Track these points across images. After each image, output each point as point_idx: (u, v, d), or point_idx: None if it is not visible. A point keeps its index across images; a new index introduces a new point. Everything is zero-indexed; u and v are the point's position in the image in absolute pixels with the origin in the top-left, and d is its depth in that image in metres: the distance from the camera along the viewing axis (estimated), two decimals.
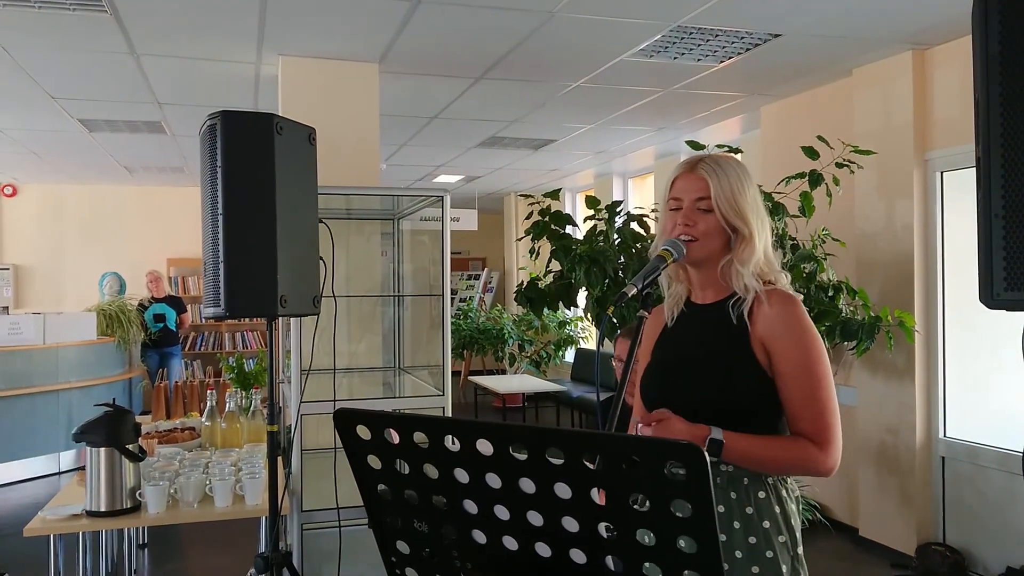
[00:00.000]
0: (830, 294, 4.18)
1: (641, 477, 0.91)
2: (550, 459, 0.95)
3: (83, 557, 3.37)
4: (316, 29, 4.17)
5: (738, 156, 3.73)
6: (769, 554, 1.62)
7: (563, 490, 0.96)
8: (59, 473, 6.82)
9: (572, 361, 10.14)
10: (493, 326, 10.76)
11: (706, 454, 0.85)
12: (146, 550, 4.99)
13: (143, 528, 4.90)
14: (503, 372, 11.26)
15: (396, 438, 1.07)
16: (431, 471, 1.06)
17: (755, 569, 1.61)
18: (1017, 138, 1.61)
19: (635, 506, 0.94)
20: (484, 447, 0.99)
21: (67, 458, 6.90)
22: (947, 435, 4.62)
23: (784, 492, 1.68)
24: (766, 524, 1.64)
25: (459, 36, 4.25)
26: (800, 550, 1.68)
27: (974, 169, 1.72)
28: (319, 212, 2.80)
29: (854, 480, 5.05)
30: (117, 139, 7.00)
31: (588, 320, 5.23)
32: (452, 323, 10.64)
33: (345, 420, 1.10)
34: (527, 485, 0.99)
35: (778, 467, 1.64)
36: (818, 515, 4.95)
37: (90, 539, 3.46)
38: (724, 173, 1.70)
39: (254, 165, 2.52)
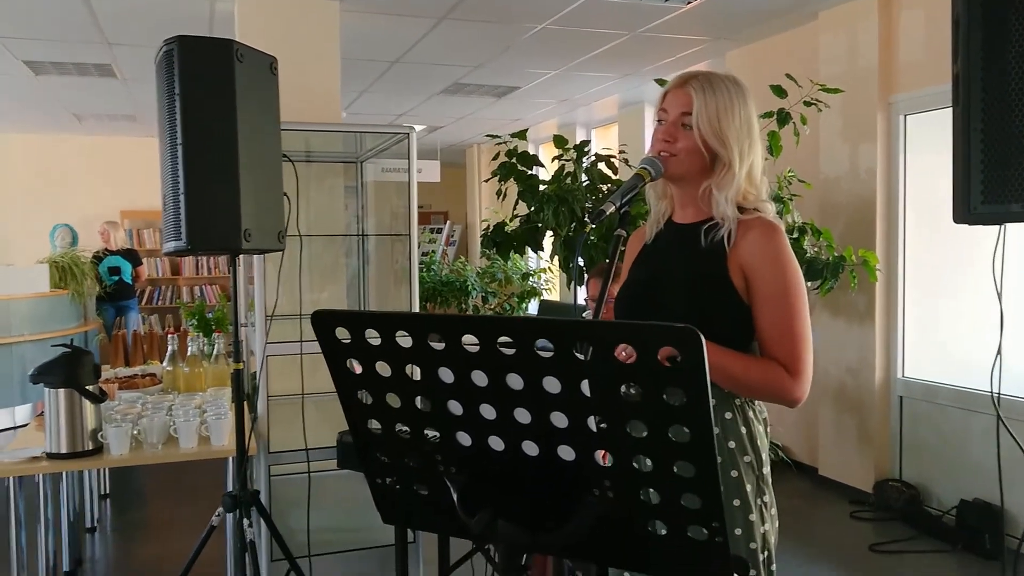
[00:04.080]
0: (795, 235, 4.21)
1: (633, 366, 0.89)
2: (539, 352, 0.93)
3: (44, 506, 3.30)
4: None
5: None
6: (734, 473, 1.62)
7: (552, 384, 0.94)
8: (14, 428, 6.66)
9: (535, 312, 10.15)
10: (456, 279, 10.70)
11: (702, 337, 0.83)
12: (108, 500, 4.93)
13: (105, 478, 4.84)
14: None
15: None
16: (414, 372, 1.03)
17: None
18: (997, 54, 1.60)
19: (626, 397, 0.92)
20: (469, 343, 0.96)
21: (22, 412, 6.74)
22: (905, 375, 4.72)
23: (751, 413, 1.68)
24: (731, 444, 1.64)
25: None
26: (766, 471, 1.68)
27: (938, 111, 1.71)
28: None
29: (814, 421, 5.15)
30: (65, 84, 6.73)
31: (552, 269, 5.21)
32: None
33: (324, 323, 1.06)
34: (514, 381, 0.96)
35: (749, 385, 1.63)
36: (780, 455, 5.04)
37: (51, 488, 3.39)
38: (713, 92, 1.65)
39: (214, 93, 2.43)
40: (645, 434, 0.92)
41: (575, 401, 0.94)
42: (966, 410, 4.28)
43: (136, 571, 3.92)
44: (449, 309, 11.08)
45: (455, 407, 1.03)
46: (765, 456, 1.69)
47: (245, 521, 2.63)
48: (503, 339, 0.94)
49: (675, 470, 0.93)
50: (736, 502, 1.61)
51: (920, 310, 4.70)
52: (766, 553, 1.63)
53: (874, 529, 4.40)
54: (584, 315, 2.97)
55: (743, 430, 1.65)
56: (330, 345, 1.07)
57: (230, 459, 2.81)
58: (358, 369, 1.07)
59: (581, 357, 0.91)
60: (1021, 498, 3.81)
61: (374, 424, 1.12)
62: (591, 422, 0.95)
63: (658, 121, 1.71)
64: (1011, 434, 1.87)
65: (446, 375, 1.00)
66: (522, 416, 0.98)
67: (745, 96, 1.68)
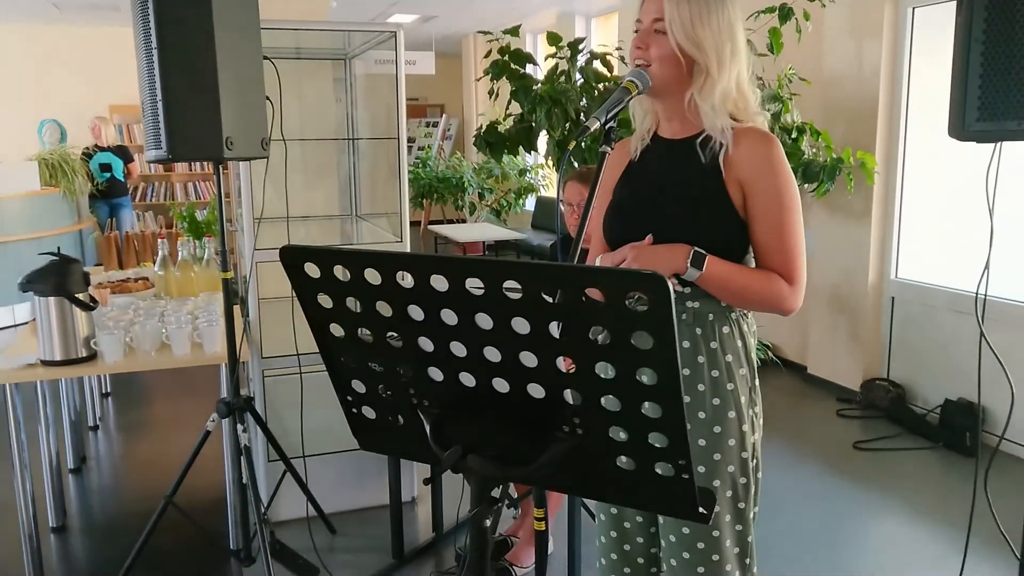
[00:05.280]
0: (794, 136, 4.13)
1: (601, 309, 0.87)
2: (507, 293, 0.91)
3: (43, 407, 3.37)
4: None
5: None
6: (730, 386, 1.65)
7: (521, 325, 0.93)
8: (15, 325, 6.74)
9: (532, 210, 10.10)
10: (453, 175, 10.59)
11: (670, 284, 0.81)
12: (109, 398, 5.03)
13: (105, 378, 4.92)
14: (463, 221, 11.20)
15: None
16: (384, 309, 1.02)
17: (716, 401, 1.64)
18: None
19: (595, 339, 0.91)
20: (438, 283, 0.94)
21: (22, 311, 6.79)
22: (899, 276, 4.74)
23: (745, 327, 1.69)
24: (728, 358, 1.65)
25: None
26: (756, 383, 1.71)
27: (947, 3, 1.63)
28: (264, 51, 2.62)
29: (805, 320, 5.20)
30: None
31: (549, 166, 5.14)
32: (411, 172, 10.48)
33: (292, 258, 1.04)
34: (484, 320, 0.95)
35: (749, 296, 1.62)
36: (770, 354, 5.11)
37: (49, 389, 3.45)
38: None
39: None
40: (613, 375, 0.92)
41: (544, 342, 0.93)
42: (956, 312, 4.31)
43: (140, 468, 4.04)
44: (446, 206, 11.02)
45: (426, 344, 1.02)
46: (755, 369, 1.71)
47: (239, 427, 2.68)
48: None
49: (642, 411, 0.93)
50: (731, 414, 1.64)
51: (917, 212, 4.66)
52: (755, 460, 1.69)
53: (860, 427, 4.51)
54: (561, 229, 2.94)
55: (739, 344, 1.67)
56: (299, 280, 1.05)
57: (223, 365, 2.84)
58: (328, 304, 1.06)
59: (549, 300, 0.89)
60: (1002, 399, 3.88)
61: (346, 357, 1.12)
62: (560, 362, 0.94)
63: (635, 30, 1.64)
64: (990, 347, 1.88)
65: (416, 313, 0.99)
66: (492, 355, 0.98)
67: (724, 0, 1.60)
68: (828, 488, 3.73)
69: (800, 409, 4.85)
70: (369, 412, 1.17)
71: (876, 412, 4.63)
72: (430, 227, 10.27)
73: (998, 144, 1.64)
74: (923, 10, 4.40)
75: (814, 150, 4.27)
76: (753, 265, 1.67)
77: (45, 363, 2.74)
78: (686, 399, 1.64)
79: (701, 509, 0.99)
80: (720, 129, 1.61)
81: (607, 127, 1.56)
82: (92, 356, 2.79)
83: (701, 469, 1.64)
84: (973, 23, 1.51)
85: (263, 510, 2.77)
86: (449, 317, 0.97)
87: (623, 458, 0.99)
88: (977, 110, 1.56)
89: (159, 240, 3.66)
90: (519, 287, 0.90)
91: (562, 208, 2.98)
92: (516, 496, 3.09)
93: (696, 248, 1.55)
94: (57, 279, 2.71)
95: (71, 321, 2.74)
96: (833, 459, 4.07)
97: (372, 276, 1.00)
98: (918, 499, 3.62)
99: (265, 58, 2.65)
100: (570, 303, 0.89)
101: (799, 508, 3.53)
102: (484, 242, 9.46)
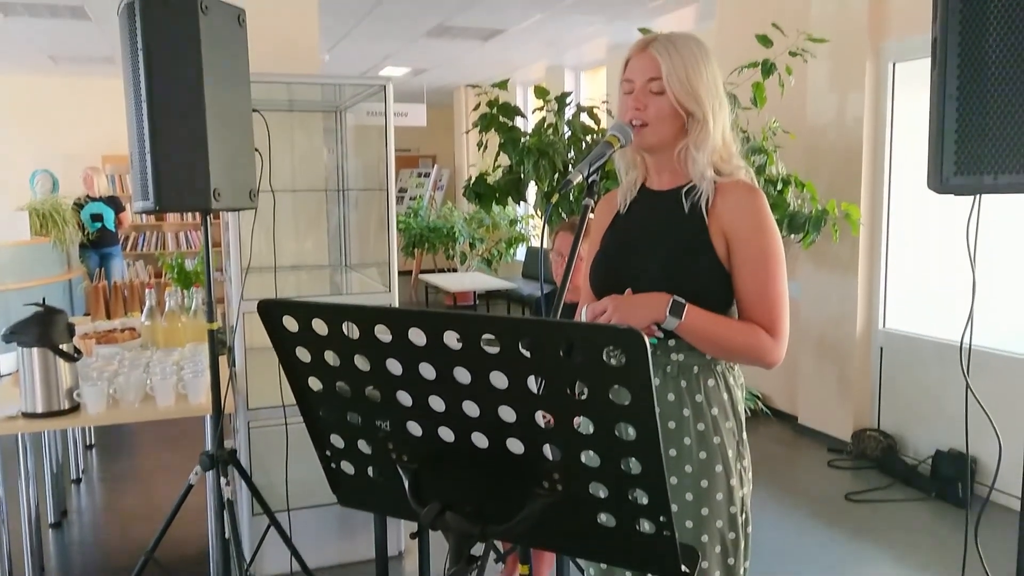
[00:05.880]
0: (779, 187, 4.17)
1: (578, 364, 0.87)
2: (485, 348, 0.91)
3: (24, 459, 3.31)
4: None
5: None
6: (716, 440, 1.63)
7: (499, 379, 0.92)
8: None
9: (523, 259, 10.14)
10: (444, 224, 10.65)
11: (646, 340, 0.81)
12: (93, 450, 4.96)
13: (89, 430, 4.86)
14: (454, 271, 11.22)
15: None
16: (362, 362, 1.01)
17: (703, 455, 1.62)
18: (975, 18, 1.55)
19: (574, 394, 0.91)
20: (417, 336, 0.94)
21: (7, 361, 6.72)
22: (886, 326, 4.75)
23: (731, 380, 1.69)
24: (714, 411, 1.64)
25: None
26: (744, 436, 1.70)
27: (928, 59, 1.66)
28: (255, 103, 2.65)
29: (795, 370, 5.19)
30: (38, 25, 6.55)
31: (538, 216, 5.17)
32: (402, 221, 10.54)
33: (270, 311, 1.03)
34: (462, 375, 0.94)
35: (730, 347, 1.62)
36: (760, 404, 5.10)
37: (30, 441, 3.40)
38: (677, 51, 1.61)
39: (178, 47, 2.35)
40: (592, 430, 0.91)
41: (522, 396, 0.92)
42: (944, 362, 4.31)
43: (122, 521, 3.97)
44: (436, 255, 11.05)
45: (404, 398, 1.01)
46: (743, 421, 1.70)
47: (223, 480, 2.64)
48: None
49: (622, 466, 0.92)
50: (718, 468, 1.63)
51: (903, 261, 4.70)
52: (744, 515, 1.66)
53: (851, 478, 4.47)
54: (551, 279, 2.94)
55: (725, 396, 1.66)
56: (278, 333, 1.05)
57: (207, 417, 2.81)
58: (307, 357, 1.06)
59: (527, 354, 0.89)
60: (992, 450, 3.87)
61: (325, 411, 1.11)
62: (539, 417, 0.94)
63: (625, 92, 1.66)
64: (976, 398, 1.88)
65: (394, 367, 0.99)
66: (470, 409, 0.97)
67: (708, 55, 1.64)
68: (820, 541, 3.69)
69: (791, 460, 4.82)
70: (348, 467, 1.16)
71: (867, 462, 4.60)
72: (421, 276, 10.28)
73: (977, 196, 1.66)
74: (904, 65, 4.50)
75: (799, 201, 4.31)
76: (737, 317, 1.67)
77: (26, 415, 2.71)
78: (672, 453, 1.63)
79: (684, 568, 0.97)
80: (706, 179, 1.63)
81: (590, 180, 1.58)
82: (75, 408, 2.76)
83: (689, 524, 1.62)
84: (947, 80, 1.54)
85: (246, 566, 2.72)
86: (427, 371, 0.97)
87: (604, 515, 0.98)
88: (954, 164, 1.58)
89: (147, 290, 3.65)
90: (496, 341, 0.90)
91: (551, 258, 2.99)
92: (503, 551, 3.04)
93: (676, 297, 1.55)
94: (41, 330, 2.70)
95: (54, 372, 2.71)
96: (825, 511, 4.03)
97: (350, 330, 0.99)
98: (911, 551, 3.57)
99: (255, 110, 2.69)
100: (547, 357, 0.89)
101: (791, 563, 3.48)
102: (475, 291, 9.48)
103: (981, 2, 1.53)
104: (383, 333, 0.97)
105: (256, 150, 2.69)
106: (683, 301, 1.55)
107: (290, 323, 1.03)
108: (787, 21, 4.39)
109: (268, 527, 2.99)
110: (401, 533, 3.50)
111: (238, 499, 2.96)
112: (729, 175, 1.66)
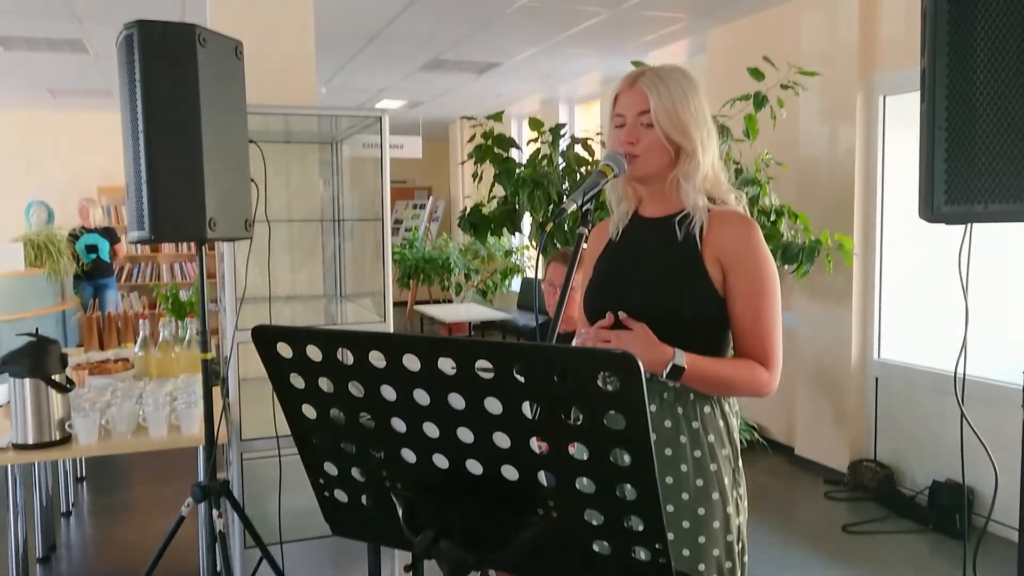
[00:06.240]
0: (772, 218, 4.20)
1: (573, 390, 0.87)
2: (479, 374, 0.91)
3: (14, 492, 3.28)
4: None
5: None
6: (713, 467, 1.63)
7: (493, 405, 0.92)
8: None
9: (518, 290, 10.14)
10: (439, 255, 10.66)
11: (641, 366, 0.81)
12: (84, 483, 4.91)
13: (80, 462, 4.81)
14: (449, 302, 11.22)
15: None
16: (356, 389, 1.01)
17: (699, 482, 1.62)
18: (963, 50, 1.57)
19: (568, 420, 0.91)
20: (411, 362, 0.94)
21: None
22: (881, 357, 4.75)
23: (727, 407, 1.69)
24: (711, 438, 1.64)
25: None
26: (740, 463, 1.70)
27: (918, 92, 1.68)
28: (252, 134, 2.67)
29: (791, 401, 5.18)
30: (36, 59, 6.60)
31: (533, 247, 5.19)
32: (397, 253, 10.55)
33: (265, 337, 1.03)
34: (456, 401, 0.94)
35: (730, 388, 1.64)
36: (756, 435, 5.07)
37: (20, 474, 3.36)
38: (665, 85, 1.63)
39: (176, 79, 2.37)
40: (587, 457, 0.91)
41: (516, 422, 0.92)
42: (939, 392, 4.31)
43: (112, 555, 3.91)
44: (432, 287, 11.05)
45: (398, 424, 1.01)
46: (739, 449, 1.70)
47: (215, 512, 2.61)
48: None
49: (617, 493, 0.92)
50: (715, 495, 1.62)
51: (897, 292, 4.72)
52: (740, 544, 1.66)
53: (848, 509, 4.44)
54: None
55: (721, 424, 1.67)
56: (272, 360, 1.05)
57: (200, 448, 2.79)
58: (301, 384, 1.05)
59: (521, 379, 0.89)
60: (989, 480, 3.85)
61: (319, 439, 1.10)
62: (534, 443, 0.93)
63: (617, 126, 1.69)
64: (972, 428, 1.88)
65: (388, 393, 0.99)
66: (465, 435, 0.96)
67: (696, 86, 1.67)
68: (819, 573, 3.65)
69: (788, 491, 4.79)
70: (341, 495, 1.15)
71: (864, 494, 4.57)
72: (416, 307, 10.28)
73: (968, 225, 1.67)
74: (894, 98, 4.56)
75: (792, 232, 4.34)
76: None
77: (17, 447, 2.68)
78: (669, 480, 1.62)
79: None
80: (699, 207, 1.65)
81: (584, 209, 1.60)
82: (66, 439, 2.73)
83: (686, 552, 1.60)
84: (936, 111, 1.56)
85: None
86: (421, 397, 0.96)
87: (599, 542, 0.97)
88: (944, 193, 1.59)
89: (140, 320, 3.64)
90: (491, 367, 0.90)
91: (544, 288, 2.99)
92: None
93: (676, 361, 1.55)
94: (33, 360, 2.68)
95: (46, 403, 2.69)
96: (822, 543, 3.99)
97: (344, 356, 0.99)
98: None
99: (251, 141, 2.70)
100: (541, 383, 0.89)
101: None
102: (470, 322, 9.46)
103: (968, 34, 1.56)
104: (377, 359, 0.97)
105: (252, 180, 2.70)
106: (683, 365, 1.55)
107: (284, 349, 1.03)
108: (778, 54, 4.45)
109: (260, 560, 2.96)
110: (395, 566, 3.45)
111: (230, 531, 2.93)
112: (722, 202, 1.68)
